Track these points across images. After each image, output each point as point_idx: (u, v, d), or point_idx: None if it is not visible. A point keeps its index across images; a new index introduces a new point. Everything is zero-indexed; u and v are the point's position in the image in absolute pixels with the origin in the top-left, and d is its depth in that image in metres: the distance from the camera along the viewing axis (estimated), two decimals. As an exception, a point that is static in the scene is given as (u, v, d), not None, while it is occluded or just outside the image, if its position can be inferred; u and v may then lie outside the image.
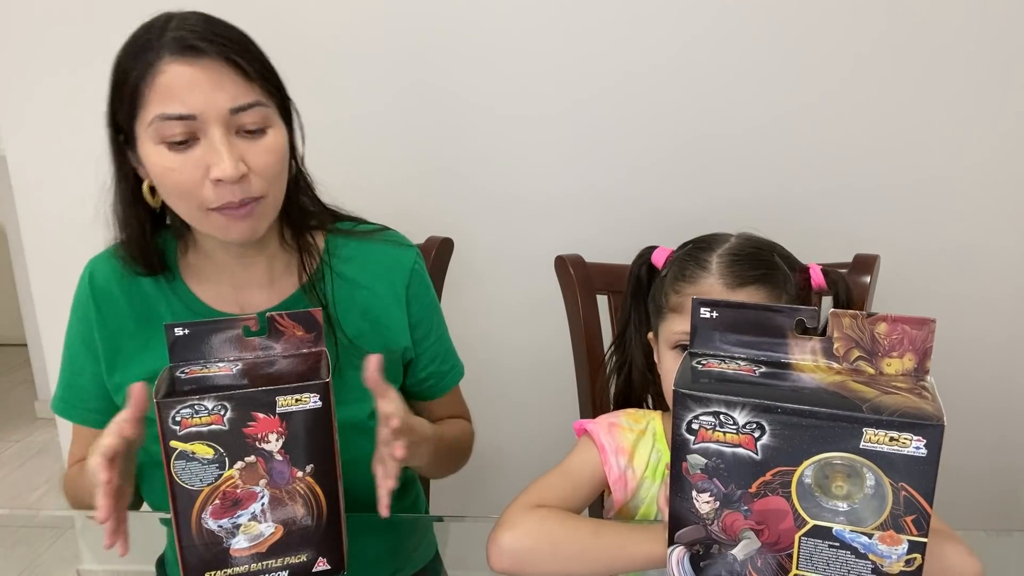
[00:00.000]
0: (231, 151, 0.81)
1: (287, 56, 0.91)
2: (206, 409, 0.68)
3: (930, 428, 0.54)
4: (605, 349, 1.23)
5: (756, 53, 1.36)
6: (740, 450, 0.59)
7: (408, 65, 1.40)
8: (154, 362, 0.91)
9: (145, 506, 1.01)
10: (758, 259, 0.83)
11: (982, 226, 1.40)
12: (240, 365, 0.74)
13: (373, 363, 0.77)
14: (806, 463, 0.57)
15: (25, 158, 1.48)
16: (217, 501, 0.71)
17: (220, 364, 0.74)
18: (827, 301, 0.88)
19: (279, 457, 0.71)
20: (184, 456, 0.69)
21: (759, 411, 0.58)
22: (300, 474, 0.72)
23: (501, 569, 0.79)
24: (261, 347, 0.76)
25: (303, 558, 0.75)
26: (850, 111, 1.37)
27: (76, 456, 1.01)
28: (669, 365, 0.84)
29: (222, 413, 0.68)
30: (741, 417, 0.58)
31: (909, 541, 0.56)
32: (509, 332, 1.45)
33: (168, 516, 0.93)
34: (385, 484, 0.78)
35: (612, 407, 1.01)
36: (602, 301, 1.24)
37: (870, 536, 0.57)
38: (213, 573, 0.73)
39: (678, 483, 0.62)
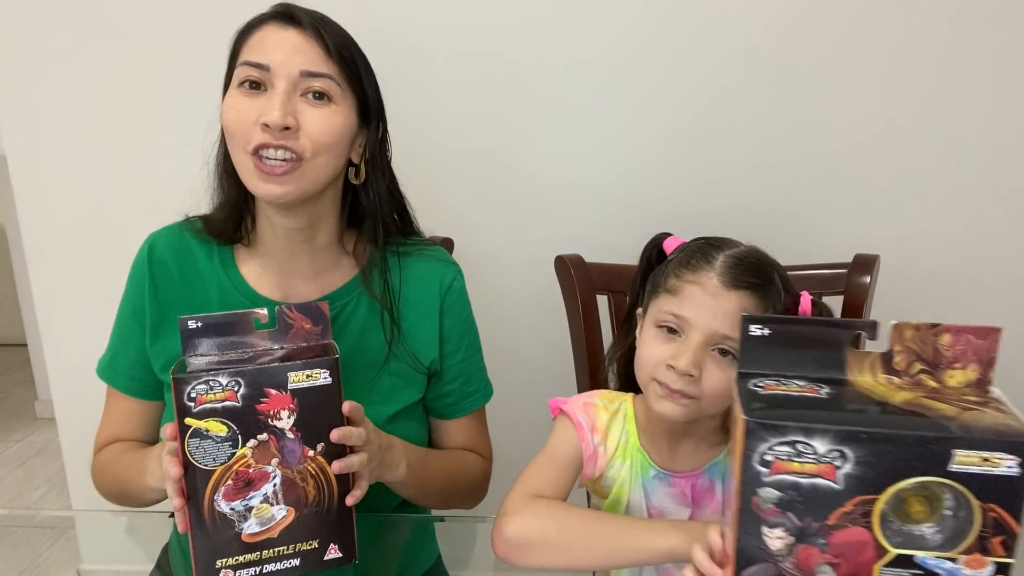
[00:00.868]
0: (285, 103, 0.86)
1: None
2: (220, 385, 0.70)
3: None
4: (605, 349, 1.23)
5: (757, 54, 1.36)
6: (819, 481, 0.55)
7: (407, 64, 1.40)
8: None
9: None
10: (758, 270, 0.85)
11: (982, 226, 1.40)
12: (250, 354, 0.76)
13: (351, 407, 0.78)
14: (891, 490, 0.54)
15: (25, 158, 1.48)
16: (230, 482, 0.71)
17: (231, 353, 0.76)
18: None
19: (291, 435, 0.72)
20: (198, 434, 0.70)
21: (842, 438, 0.54)
22: (311, 453, 0.73)
23: (507, 557, 0.80)
24: (270, 338, 0.78)
25: (314, 544, 0.75)
26: (850, 111, 1.37)
27: (105, 436, 1.02)
28: (648, 340, 0.87)
29: (236, 389, 0.70)
30: (821, 445, 0.55)
31: (995, 563, 0.54)
32: (509, 332, 1.45)
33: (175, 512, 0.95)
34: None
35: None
36: (602, 301, 1.24)
37: (954, 560, 0.55)
38: (224, 560, 0.73)
39: (747, 518, 0.58)
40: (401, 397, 1.00)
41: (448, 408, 1.06)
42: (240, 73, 0.89)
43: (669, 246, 0.93)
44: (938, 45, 1.34)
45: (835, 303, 1.16)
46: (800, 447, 0.55)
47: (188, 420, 0.69)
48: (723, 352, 0.82)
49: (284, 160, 0.87)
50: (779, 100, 1.38)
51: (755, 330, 0.61)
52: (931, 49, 1.34)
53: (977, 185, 1.39)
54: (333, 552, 0.76)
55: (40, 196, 1.49)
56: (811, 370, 0.61)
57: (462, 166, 1.46)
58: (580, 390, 1.25)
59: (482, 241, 1.44)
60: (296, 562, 0.75)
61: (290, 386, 0.71)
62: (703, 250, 0.87)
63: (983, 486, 0.53)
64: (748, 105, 1.39)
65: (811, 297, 0.88)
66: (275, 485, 0.73)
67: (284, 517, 0.74)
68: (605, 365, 1.02)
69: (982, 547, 0.54)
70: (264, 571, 0.74)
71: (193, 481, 0.71)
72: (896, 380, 0.59)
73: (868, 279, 1.13)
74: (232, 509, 0.72)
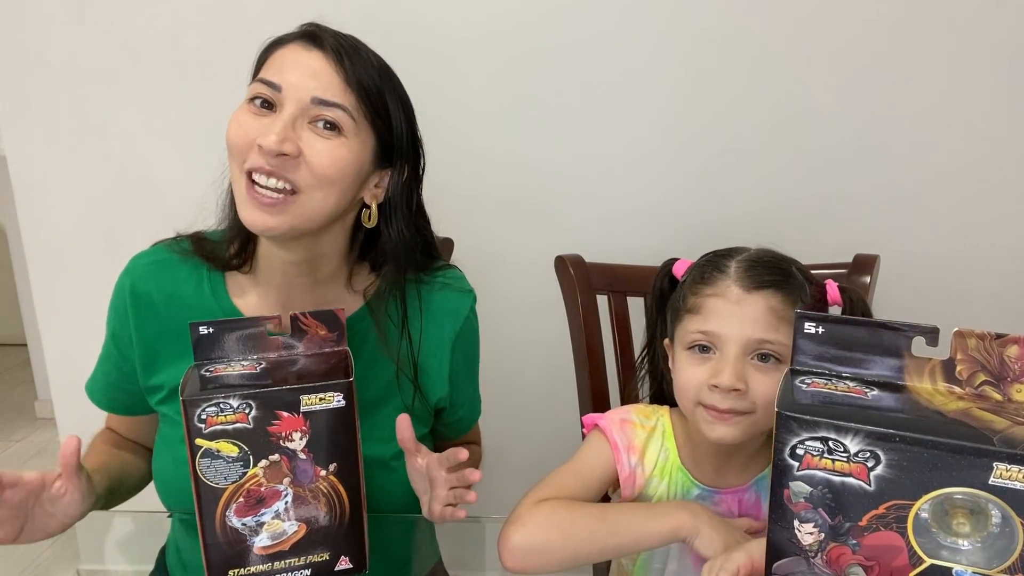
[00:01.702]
0: (287, 128, 0.80)
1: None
2: (231, 407, 0.69)
3: None
4: (605, 349, 1.24)
5: (757, 54, 1.36)
6: (851, 480, 0.54)
7: (407, 65, 1.40)
8: None
9: (144, 505, 1.01)
10: (775, 266, 0.83)
11: (982, 226, 1.41)
12: (263, 364, 0.75)
13: (404, 423, 0.79)
14: (925, 497, 0.53)
15: (25, 158, 1.48)
16: (241, 499, 0.71)
17: (243, 362, 0.75)
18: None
19: (303, 456, 0.72)
20: (209, 454, 0.69)
21: (874, 439, 0.53)
22: (323, 473, 0.73)
23: (514, 567, 0.79)
24: (284, 346, 0.77)
25: (325, 556, 0.75)
26: (851, 112, 1.37)
27: (106, 424, 1.04)
28: (682, 365, 0.84)
29: (247, 411, 0.69)
30: (853, 445, 0.54)
31: None
32: (509, 332, 1.45)
33: (173, 509, 0.94)
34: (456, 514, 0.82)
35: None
36: (602, 301, 1.24)
37: None
38: (236, 571, 0.73)
39: (778, 511, 0.58)
40: None
41: (452, 429, 1.06)
42: (253, 89, 0.84)
43: (679, 270, 0.91)
44: (939, 46, 1.34)
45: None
46: (832, 444, 0.54)
47: (199, 441, 0.69)
48: (763, 357, 0.79)
49: (276, 191, 0.81)
50: (779, 101, 1.38)
51: (810, 328, 0.60)
52: (932, 49, 1.34)
53: (977, 185, 1.39)
54: (344, 563, 0.76)
55: (40, 196, 1.49)
56: (867, 372, 0.59)
57: (462, 166, 1.45)
58: (580, 390, 1.25)
59: (482, 241, 1.44)
60: (307, 573, 0.75)
61: (302, 409, 0.70)
62: (714, 262, 0.85)
63: None
64: (748, 105, 1.39)
65: (837, 284, 0.86)
66: (286, 503, 0.73)
67: (295, 532, 0.74)
68: (636, 379, 1.00)
69: None
70: (275, 581, 0.75)
71: (205, 498, 0.71)
72: (957, 390, 0.57)
73: (868, 279, 1.13)
74: (244, 524, 0.72)
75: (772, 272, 0.82)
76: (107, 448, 1.01)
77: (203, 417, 0.69)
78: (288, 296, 0.93)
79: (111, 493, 0.93)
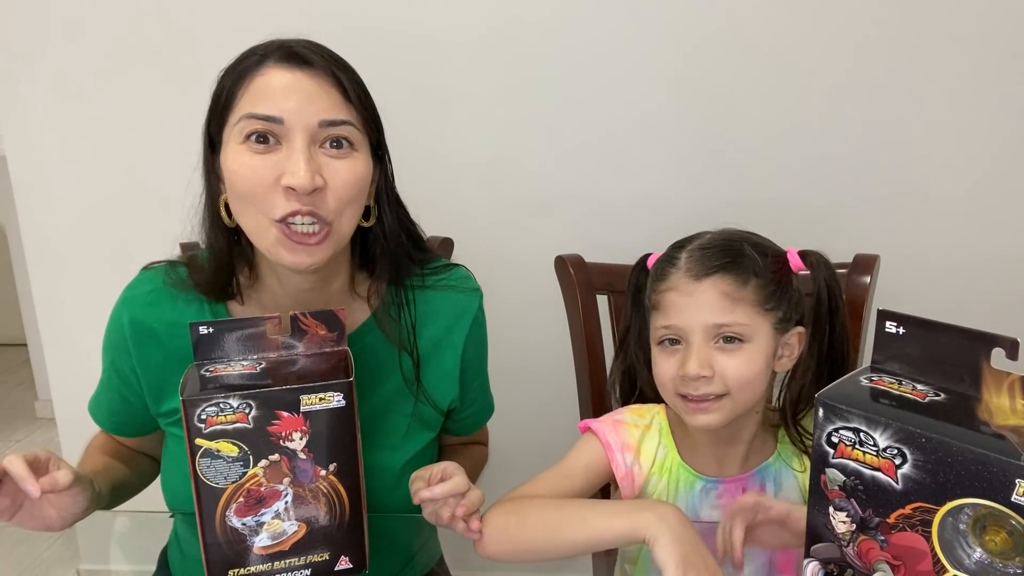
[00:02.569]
0: (309, 162, 0.77)
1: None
2: (231, 407, 0.69)
3: None
4: (605, 349, 1.23)
5: (758, 55, 1.36)
6: (879, 475, 0.54)
7: (407, 64, 1.40)
8: None
9: (144, 505, 1.01)
10: (723, 249, 0.84)
11: (982, 226, 1.41)
12: (263, 364, 0.75)
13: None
14: (949, 504, 0.52)
15: (25, 158, 1.48)
16: (241, 499, 0.71)
17: (243, 362, 0.75)
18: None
19: (303, 456, 0.72)
20: (209, 454, 0.69)
21: (901, 436, 0.53)
22: (323, 473, 0.73)
23: (480, 551, 0.80)
24: (284, 346, 0.77)
25: (325, 556, 0.76)
26: (851, 112, 1.37)
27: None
28: (656, 361, 0.87)
29: (247, 411, 0.69)
30: (883, 439, 0.54)
31: None
32: (509, 332, 1.45)
33: (176, 511, 0.94)
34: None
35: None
36: (602, 301, 1.24)
37: None
38: (236, 571, 0.73)
39: (816, 495, 0.59)
40: (418, 439, 0.97)
41: (461, 427, 1.05)
42: (245, 126, 0.79)
43: (651, 264, 0.92)
44: (939, 46, 1.34)
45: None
46: (863, 436, 0.55)
47: (199, 441, 0.69)
48: (728, 339, 0.81)
49: (315, 228, 0.79)
50: (779, 100, 1.38)
51: (890, 327, 0.59)
52: (933, 49, 1.34)
53: (977, 185, 1.39)
54: (344, 563, 0.76)
55: (40, 196, 1.49)
56: (943, 380, 0.57)
57: (462, 166, 1.46)
58: (580, 391, 1.25)
59: (482, 241, 1.44)
60: (307, 573, 0.75)
61: (302, 408, 0.70)
62: (668, 256, 0.88)
63: None
64: (748, 105, 1.39)
65: (798, 251, 0.87)
66: (286, 503, 0.73)
67: (295, 532, 0.74)
68: (610, 383, 1.01)
69: None
70: (275, 580, 0.75)
71: (205, 498, 0.71)
72: None
73: (868, 279, 1.13)
74: (244, 524, 0.72)
75: (719, 256, 0.83)
76: (110, 447, 1.01)
77: (203, 417, 0.69)
78: None
79: (115, 491, 0.93)
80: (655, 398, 0.94)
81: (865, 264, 1.15)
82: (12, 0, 1.41)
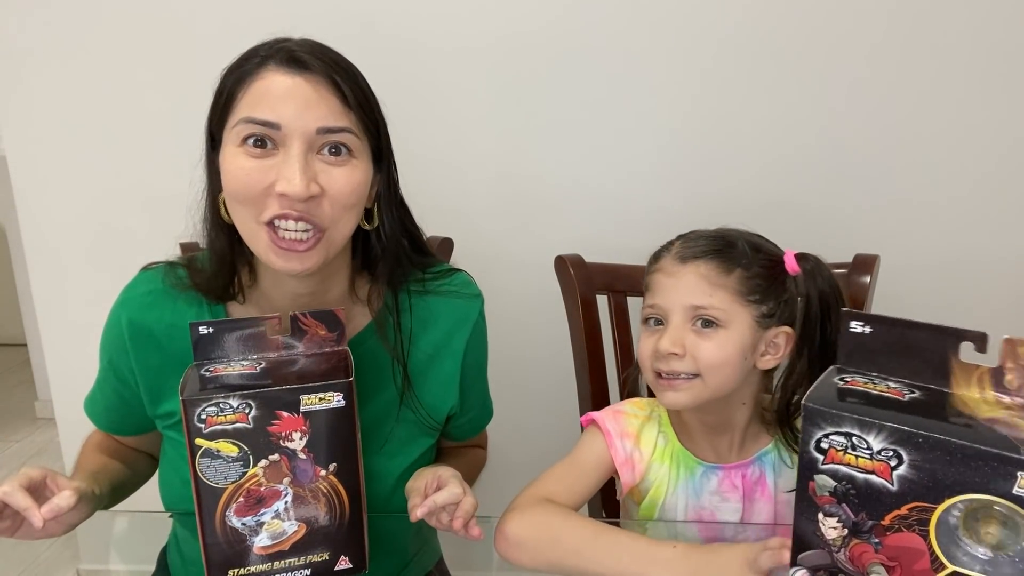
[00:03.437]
0: (305, 169, 0.77)
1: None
2: (231, 407, 0.69)
3: None
4: (605, 349, 1.23)
5: (758, 54, 1.36)
6: (874, 478, 0.54)
7: (407, 64, 1.40)
8: None
9: (144, 505, 1.01)
10: (714, 238, 0.88)
11: (982, 226, 1.41)
12: (263, 364, 0.75)
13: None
14: (948, 502, 0.52)
15: (25, 158, 1.48)
16: (241, 499, 0.71)
17: (243, 362, 0.75)
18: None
19: (303, 456, 0.72)
20: (209, 454, 0.69)
21: (897, 438, 0.52)
22: (323, 473, 0.73)
23: (504, 554, 0.81)
24: (284, 346, 0.77)
25: (325, 556, 0.76)
26: (851, 112, 1.38)
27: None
28: (640, 339, 0.89)
29: (247, 411, 0.69)
30: (877, 442, 0.53)
31: None
32: (509, 332, 1.45)
33: (175, 511, 0.94)
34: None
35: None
36: (602, 301, 1.24)
37: None
38: (236, 571, 0.73)
39: (803, 503, 0.58)
40: (417, 444, 0.95)
41: (460, 431, 1.04)
42: (243, 130, 0.78)
43: None
44: (940, 46, 1.34)
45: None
46: (855, 440, 0.54)
47: (199, 440, 0.69)
48: (706, 323, 0.83)
49: (306, 234, 0.78)
50: (780, 101, 1.38)
51: (856, 327, 0.59)
52: (933, 50, 1.35)
53: (977, 185, 1.39)
54: (344, 563, 0.77)
55: (40, 196, 1.49)
56: (912, 376, 0.58)
57: (462, 166, 1.46)
58: (580, 391, 1.25)
59: (482, 241, 1.44)
60: (307, 573, 0.75)
61: (302, 408, 0.70)
62: (667, 243, 0.91)
63: None
64: (748, 106, 1.39)
65: (795, 253, 0.88)
66: (286, 503, 0.73)
67: (295, 532, 0.74)
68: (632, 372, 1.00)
69: None
70: (275, 580, 0.75)
71: (204, 498, 0.71)
72: (1006, 399, 0.55)
73: (868, 279, 1.13)
74: (243, 524, 0.72)
75: (709, 244, 0.86)
76: (107, 446, 1.01)
77: (203, 417, 0.69)
78: None
79: (114, 491, 0.93)
80: None
81: (865, 264, 1.15)
82: (12, 0, 1.40)
